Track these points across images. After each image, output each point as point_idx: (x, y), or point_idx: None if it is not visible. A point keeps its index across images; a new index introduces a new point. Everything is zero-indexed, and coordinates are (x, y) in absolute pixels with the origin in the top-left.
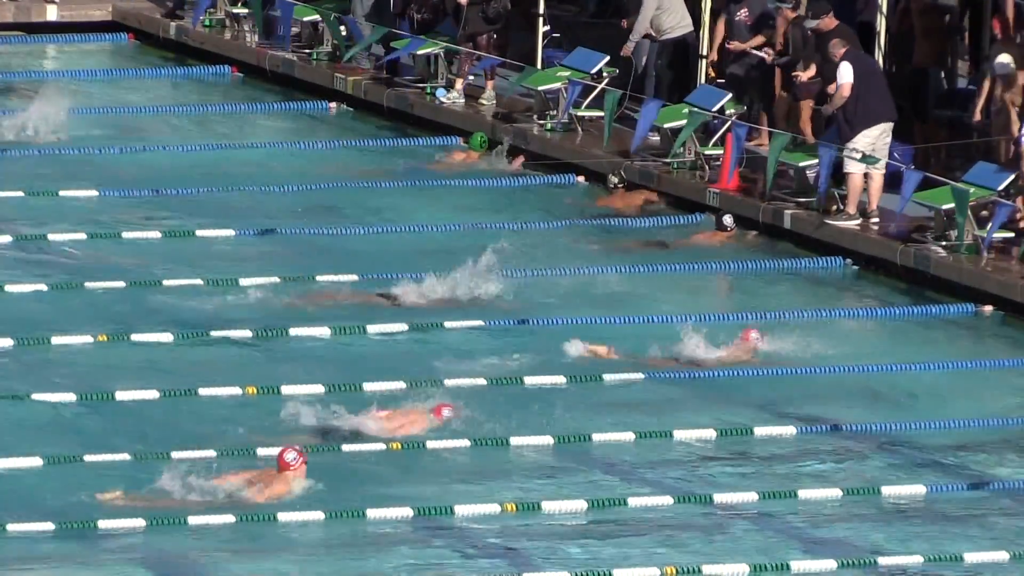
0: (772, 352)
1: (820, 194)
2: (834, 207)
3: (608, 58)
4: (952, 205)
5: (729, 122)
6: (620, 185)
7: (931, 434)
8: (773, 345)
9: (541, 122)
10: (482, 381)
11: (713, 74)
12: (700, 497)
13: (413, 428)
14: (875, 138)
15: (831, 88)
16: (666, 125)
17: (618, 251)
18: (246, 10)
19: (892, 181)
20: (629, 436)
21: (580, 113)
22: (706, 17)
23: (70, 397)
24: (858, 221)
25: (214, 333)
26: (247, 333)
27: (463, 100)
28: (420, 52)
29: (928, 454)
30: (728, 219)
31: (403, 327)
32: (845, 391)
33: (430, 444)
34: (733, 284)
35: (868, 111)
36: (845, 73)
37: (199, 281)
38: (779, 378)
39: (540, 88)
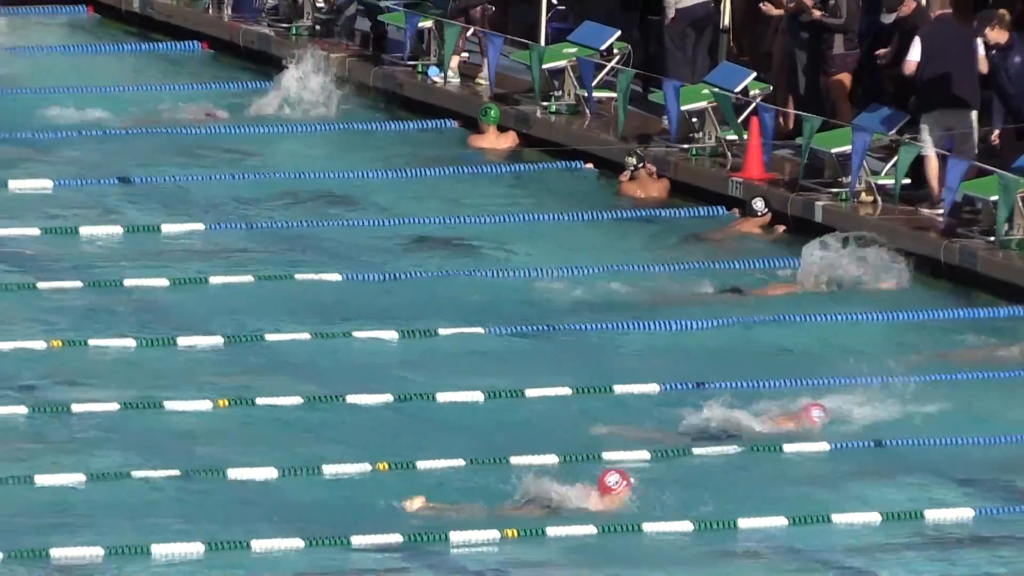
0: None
1: (851, 183)
2: (871, 198)
3: (619, 33)
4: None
5: (753, 104)
6: (640, 166)
7: (976, 450)
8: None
9: (544, 104)
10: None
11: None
12: (724, 523)
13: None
14: (940, 125)
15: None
16: (684, 107)
17: (646, 249)
18: None
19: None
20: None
21: (598, 94)
22: None
23: (21, 410)
24: (940, 211)
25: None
26: (217, 340)
27: (458, 80)
28: (410, 26)
29: (975, 473)
30: (759, 203)
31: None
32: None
33: None
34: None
35: (932, 94)
36: (913, 49)
37: (164, 281)
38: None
39: (545, 67)
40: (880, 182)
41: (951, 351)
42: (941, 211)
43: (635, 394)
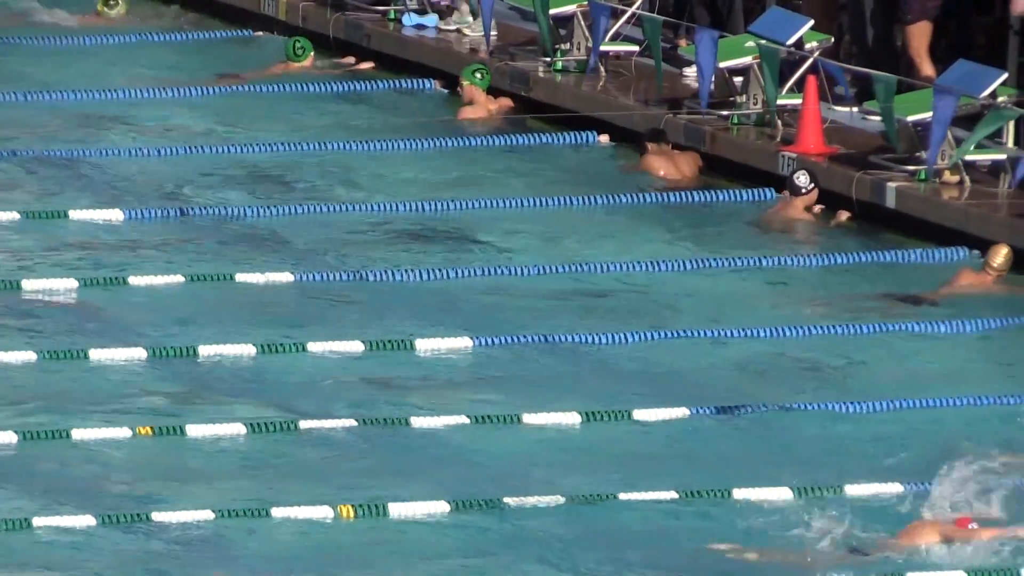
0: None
1: (930, 159)
2: (957, 178)
3: None
4: None
5: (811, 59)
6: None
7: None
8: None
9: (548, 60)
10: None
11: None
12: None
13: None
14: None
15: None
16: (722, 64)
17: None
18: None
19: None
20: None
21: (603, 48)
22: None
23: None
24: None
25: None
26: (139, 353)
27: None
28: None
29: None
30: (802, 177)
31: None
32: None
33: None
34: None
35: None
36: None
37: (72, 281)
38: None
39: (549, 13)
40: (969, 157)
41: None
42: None
43: (663, 420)
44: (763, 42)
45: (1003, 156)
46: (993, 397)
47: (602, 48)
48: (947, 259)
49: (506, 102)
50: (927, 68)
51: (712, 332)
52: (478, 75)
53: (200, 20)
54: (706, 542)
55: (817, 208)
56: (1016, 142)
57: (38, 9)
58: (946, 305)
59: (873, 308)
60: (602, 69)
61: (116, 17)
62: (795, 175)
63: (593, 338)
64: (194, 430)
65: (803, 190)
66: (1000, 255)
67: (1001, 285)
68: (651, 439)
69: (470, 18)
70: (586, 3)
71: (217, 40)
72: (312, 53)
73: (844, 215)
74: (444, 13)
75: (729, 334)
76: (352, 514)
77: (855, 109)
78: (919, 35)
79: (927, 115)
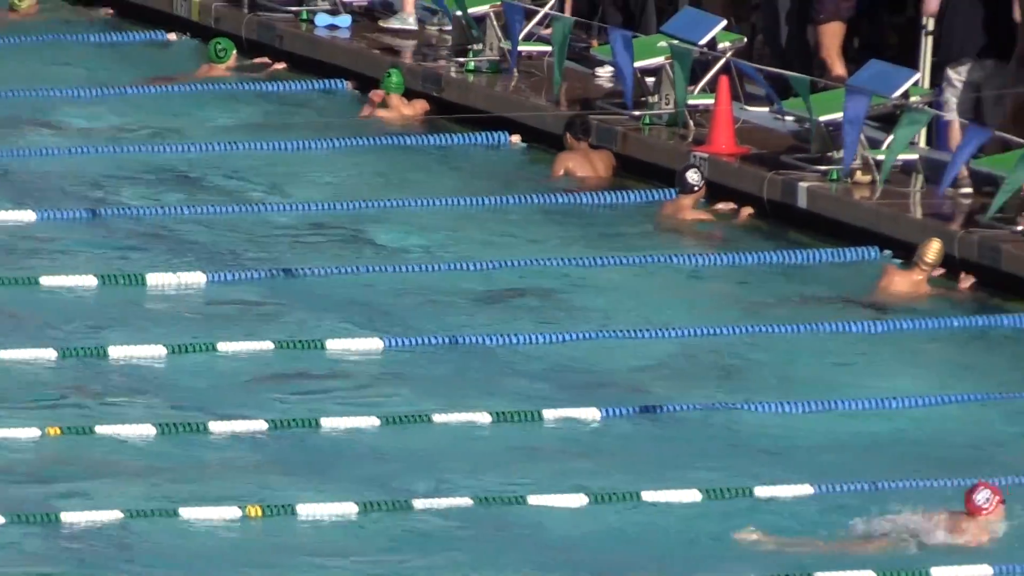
0: None
1: (846, 159)
2: (868, 178)
3: None
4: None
5: (723, 59)
6: (582, 138)
7: None
8: None
9: (461, 59)
10: None
11: None
12: None
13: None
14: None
15: None
16: (636, 64)
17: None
18: None
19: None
20: None
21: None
22: None
23: None
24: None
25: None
26: (49, 353)
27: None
28: None
29: None
30: (693, 175)
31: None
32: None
33: None
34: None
35: (952, 42)
36: None
37: None
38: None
39: (460, 13)
40: (880, 158)
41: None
42: (965, 192)
43: (574, 419)
44: (675, 42)
45: (914, 156)
46: (913, 398)
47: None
48: (859, 259)
49: (421, 105)
50: (838, 68)
51: (624, 332)
52: (393, 78)
53: (112, 21)
54: (617, 543)
55: (746, 212)
56: (928, 142)
57: None
58: (871, 306)
59: (784, 308)
60: (514, 69)
61: (27, 9)
62: (686, 172)
63: (504, 338)
64: (103, 430)
65: (695, 187)
66: (933, 250)
67: (927, 286)
68: (561, 439)
69: (411, 18)
70: (499, 3)
71: (130, 42)
72: (235, 53)
73: (747, 211)
74: (382, 13)
75: (640, 334)
76: (260, 514)
77: (768, 109)
78: (831, 35)
79: (839, 115)
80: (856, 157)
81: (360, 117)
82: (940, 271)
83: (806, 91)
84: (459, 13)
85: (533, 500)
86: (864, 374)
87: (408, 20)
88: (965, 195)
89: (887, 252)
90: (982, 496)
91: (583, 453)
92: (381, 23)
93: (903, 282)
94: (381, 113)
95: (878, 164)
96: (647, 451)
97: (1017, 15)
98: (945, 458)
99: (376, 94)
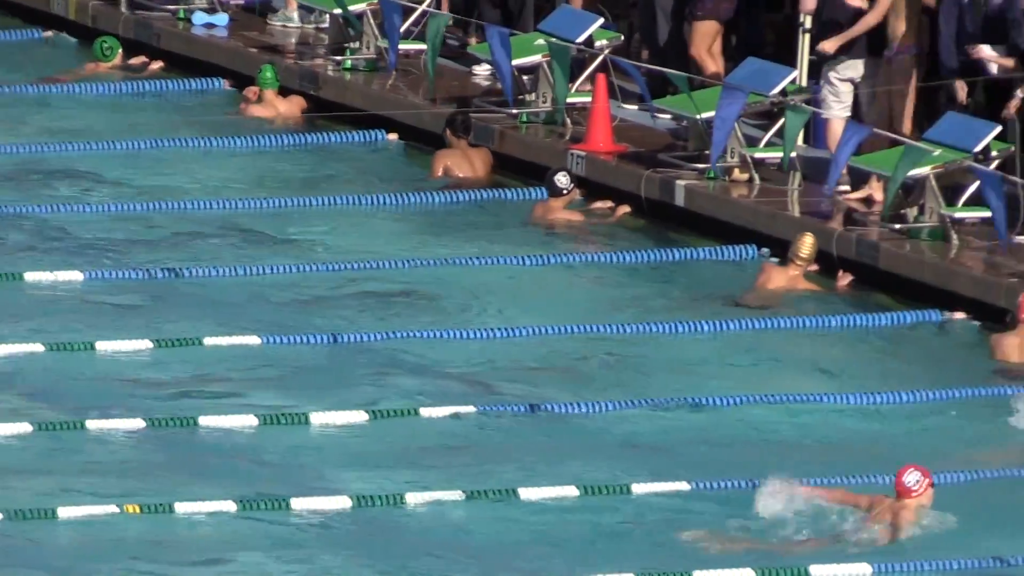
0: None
1: (713, 155)
2: (746, 176)
3: None
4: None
5: (600, 57)
6: (461, 136)
7: None
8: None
9: (338, 58)
10: None
11: None
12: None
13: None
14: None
15: None
16: (514, 62)
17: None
18: None
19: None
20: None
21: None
22: None
23: None
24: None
25: None
26: None
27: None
28: None
29: None
30: (562, 178)
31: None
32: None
33: None
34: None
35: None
36: None
37: None
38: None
39: (337, 11)
40: (758, 155)
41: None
42: (843, 189)
43: (450, 418)
44: (553, 40)
45: (793, 154)
46: (792, 395)
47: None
48: (737, 257)
49: (298, 101)
50: (711, 66)
51: (502, 331)
52: (267, 73)
53: None
54: (495, 540)
55: (622, 210)
56: (805, 140)
57: None
58: (750, 304)
59: (663, 306)
60: (393, 69)
61: None
62: (555, 177)
63: (381, 336)
64: None
65: (563, 191)
66: (806, 244)
67: (804, 282)
68: (440, 437)
69: (295, 15)
70: (376, 1)
71: (5, 40)
72: (120, 51)
73: (623, 209)
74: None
75: (518, 333)
76: (138, 512)
77: (638, 107)
78: (703, 34)
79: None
80: (734, 155)
81: (234, 114)
82: (814, 267)
83: (686, 88)
84: (337, 11)
85: (411, 498)
86: (743, 372)
87: (292, 17)
88: (843, 192)
89: (765, 250)
90: (911, 478)
91: (461, 451)
92: (267, 21)
93: (779, 279)
94: (257, 110)
95: (755, 161)
96: (525, 449)
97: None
98: (825, 454)
99: (251, 90)
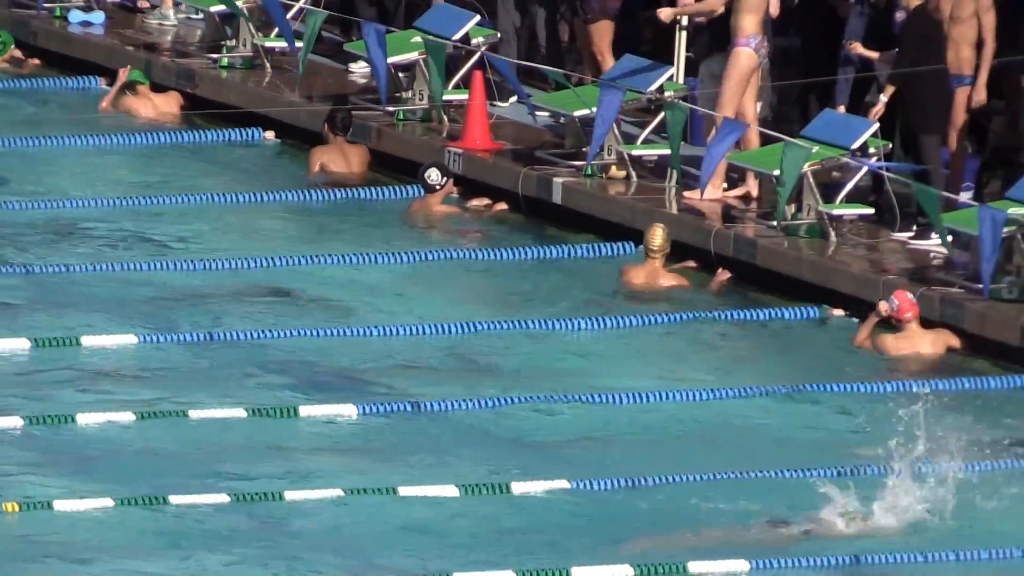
0: None
1: (591, 153)
2: (623, 173)
3: None
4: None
5: (477, 54)
6: (339, 133)
7: None
8: None
9: (215, 56)
10: None
11: None
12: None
13: None
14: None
15: None
16: (390, 60)
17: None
18: None
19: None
20: None
21: (269, 44)
22: None
23: None
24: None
25: None
26: None
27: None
28: None
29: None
30: (434, 173)
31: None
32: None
33: None
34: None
35: (706, 37)
36: None
37: None
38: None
39: (214, 9)
40: (635, 153)
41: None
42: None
43: (330, 416)
44: (429, 38)
45: (669, 151)
46: (669, 392)
47: (268, 44)
48: (614, 254)
49: (175, 98)
50: (611, 65)
51: (379, 329)
52: (141, 71)
53: None
54: (373, 537)
55: (498, 207)
56: (684, 138)
57: None
58: (622, 300)
59: (540, 302)
60: (267, 65)
61: None
62: (426, 174)
63: (258, 334)
64: None
65: (436, 186)
66: (657, 236)
67: (667, 274)
68: (318, 435)
69: (170, 12)
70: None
71: None
72: (12, 46)
73: (499, 207)
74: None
75: (396, 331)
76: (17, 510)
77: (507, 103)
78: (600, 34)
79: (594, 110)
80: (611, 153)
81: (109, 109)
82: (692, 264)
83: (567, 85)
84: (214, 8)
85: (290, 495)
86: (621, 368)
87: (168, 15)
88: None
89: (642, 247)
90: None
91: (340, 449)
92: (144, 19)
93: (639, 273)
94: (133, 103)
95: (632, 159)
96: (404, 447)
97: (774, 9)
98: (704, 449)
99: (124, 71)
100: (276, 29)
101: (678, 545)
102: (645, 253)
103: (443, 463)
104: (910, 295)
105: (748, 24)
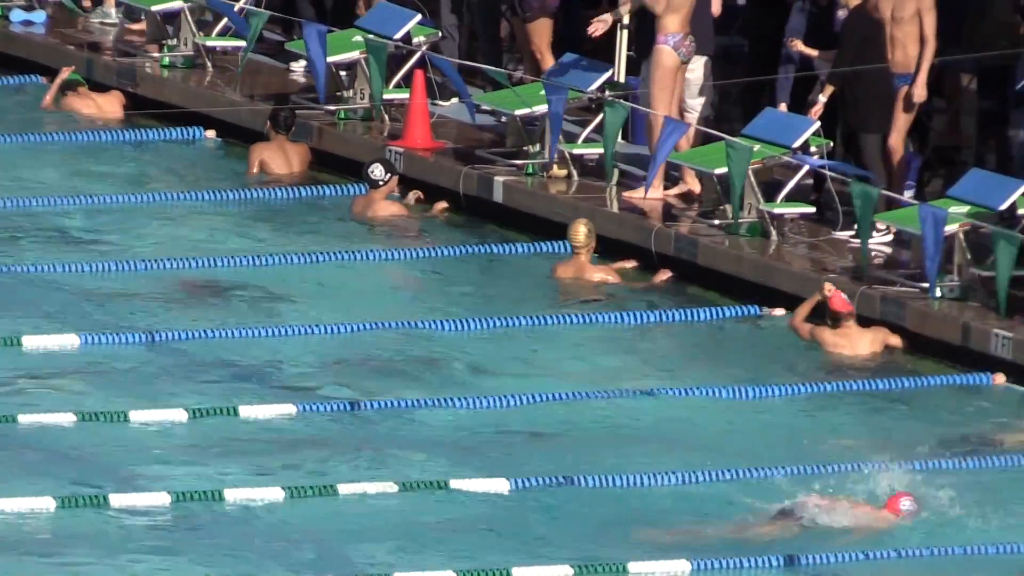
0: None
1: (550, 153)
2: (565, 172)
3: None
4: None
5: (418, 54)
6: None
7: None
8: None
9: (156, 55)
10: None
11: None
12: None
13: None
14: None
15: None
16: (331, 59)
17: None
18: None
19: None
20: None
21: (210, 43)
22: None
23: None
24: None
25: None
26: None
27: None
28: None
29: None
30: (377, 169)
31: None
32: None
33: None
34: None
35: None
36: None
37: None
38: None
39: (154, 8)
40: (576, 151)
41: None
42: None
43: (268, 416)
44: (371, 37)
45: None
46: (607, 391)
47: (209, 43)
48: (555, 252)
49: (117, 97)
50: (550, 62)
51: (319, 328)
52: (73, 75)
53: None
54: (313, 535)
55: (440, 207)
56: (624, 136)
57: None
58: (565, 298)
59: (481, 301)
60: (209, 65)
61: None
62: (370, 169)
63: (198, 334)
64: None
65: (379, 182)
66: (580, 232)
67: (593, 268)
68: (258, 435)
69: (112, 11)
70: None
71: None
72: None
73: (441, 205)
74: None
75: (336, 330)
76: None
77: (446, 103)
78: (539, 33)
79: (534, 109)
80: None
81: (49, 103)
82: (632, 263)
83: (507, 83)
84: (156, 8)
85: (230, 495)
86: (560, 367)
87: (110, 14)
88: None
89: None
90: (907, 505)
91: (280, 448)
92: (88, 17)
93: (568, 269)
94: (76, 103)
95: (573, 157)
96: (344, 446)
97: (715, 8)
98: (642, 448)
99: (66, 70)
100: (217, 28)
101: (617, 544)
102: (571, 249)
103: (381, 461)
104: (844, 296)
105: (670, 23)
